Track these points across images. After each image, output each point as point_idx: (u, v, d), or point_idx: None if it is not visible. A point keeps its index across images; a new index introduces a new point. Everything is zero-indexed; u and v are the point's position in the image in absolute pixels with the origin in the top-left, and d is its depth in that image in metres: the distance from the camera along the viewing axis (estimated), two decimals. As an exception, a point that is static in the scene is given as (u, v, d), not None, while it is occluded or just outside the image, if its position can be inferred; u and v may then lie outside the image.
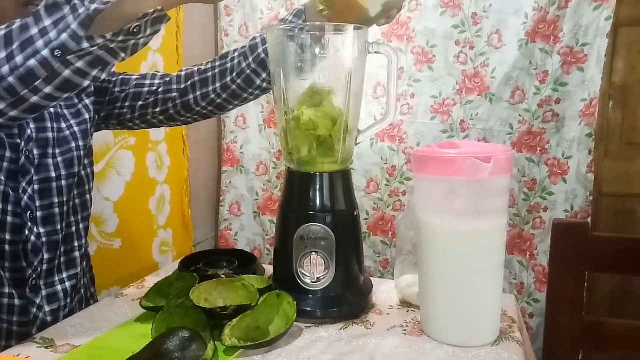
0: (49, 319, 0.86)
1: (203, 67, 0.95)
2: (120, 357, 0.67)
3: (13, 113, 0.64)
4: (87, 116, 0.93)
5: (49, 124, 0.86)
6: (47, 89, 0.62)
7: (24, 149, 0.82)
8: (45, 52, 0.59)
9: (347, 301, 0.88)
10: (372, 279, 0.97)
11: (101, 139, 1.23)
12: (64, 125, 0.89)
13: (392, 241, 1.64)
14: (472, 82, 1.51)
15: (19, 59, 0.59)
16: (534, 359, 0.99)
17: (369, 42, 0.86)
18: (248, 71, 0.92)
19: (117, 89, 0.96)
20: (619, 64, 1.75)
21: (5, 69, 0.59)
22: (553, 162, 1.51)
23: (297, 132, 0.87)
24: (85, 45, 0.59)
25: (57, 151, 0.87)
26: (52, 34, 0.58)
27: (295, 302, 0.80)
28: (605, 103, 1.74)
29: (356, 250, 0.90)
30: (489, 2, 1.46)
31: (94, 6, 0.58)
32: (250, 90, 0.94)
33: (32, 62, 0.59)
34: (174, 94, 0.95)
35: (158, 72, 1.01)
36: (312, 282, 0.85)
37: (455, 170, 0.74)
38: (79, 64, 0.61)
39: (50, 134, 0.86)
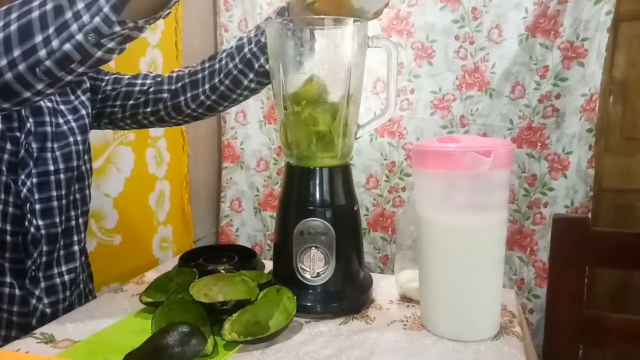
0: (48, 310, 0.86)
1: (193, 69, 0.96)
2: (120, 352, 0.67)
3: (50, 91, 0.65)
4: (84, 112, 0.93)
5: (47, 118, 0.87)
6: (81, 69, 0.64)
7: (24, 142, 0.82)
8: (80, 37, 0.59)
9: (347, 296, 0.87)
10: (372, 274, 0.97)
11: (100, 134, 1.23)
12: (61, 120, 0.89)
13: (392, 237, 1.64)
14: (472, 77, 1.51)
15: (55, 43, 0.60)
16: (534, 354, 0.99)
17: (368, 36, 0.85)
18: (235, 72, 0.92)
19: (108, 87, 0.97)
20: (619, 59, 1.74)
21: (43, 53, 0.60)
22: (553, 157, 1.51)
23: (296, 127, 0.87)
24: (117, 29, 0.60)
25: (56, 145, 0.87)
26: (86, 18, 0.59)
27: (295, 297, 0.80)
28: (605, 98, 1.74)
29: (356, 245, 0.90)
30: (489, -4, 1.46)
31: None
32: (238, 91, 0.94)
33: (67, 46, 0.60)
34: (165, 95, 0.96)
35: (151, 72, 1.02)
36: (311, 277, 0.85)
37: (455, 165, 0.73)
38: (110, 45, 0.62)
39: (48, 128, 0.86)
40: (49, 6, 0.60)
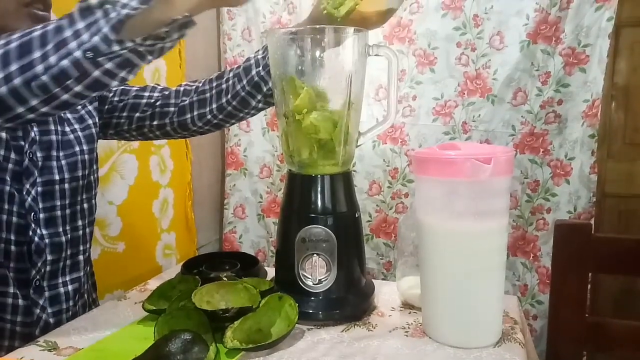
0: (51, 320, 0.86)
1: (201, 87, 0.96)
2: (123, 360, 0.68)
3: (44, 109, 0.66)
4: (90, 121, 0.94)
5: (52, 127, 0.87)
6: (78, 88, 0.64)
7: (28, 151, 0.83)
8: (78, 54, 0.61)
9: (349, 303, 0.88)
10: (374, 280, 0.97)
11: (105, 142, 1.23)
12: (67, 129, 0.90)
13: (395, 243, 1.64)
14: (473, 84, 1.51)
15: (53, 58, 0.61)
16: (537, 361, 0.99)
17: (368, 45, 0.86)
18: (243, 93, 0.92)
19: (115, 98, 0.97)
20: (621, 65, 1.75)
21: (40, 68, 0.61)
22: (556, 163, 1.51)
23: (298, 134, 0.87)
24: (116, 48, 0.61)
25: (61, 154, 0.87)
26: (85, 36, 0.61)
27: (297, 304, 0.80)
28: (607, 104, 1.74)
29: (358, 252, 0.90)
30: (490, 3, 1.46)
31: (125, 11, 0.60)
32: (245, 111, 0.95)
33: (65, 62, 0.61)
34: (172, 109, 0.96)
35: (158, 84, 1.02)
36: (313, 284, 0.85)
37: (455, 172, 0.74)
38: (109, 65, 0.63)
39: (54, 137, 0.87)
40: (50, 27, 0.62)
